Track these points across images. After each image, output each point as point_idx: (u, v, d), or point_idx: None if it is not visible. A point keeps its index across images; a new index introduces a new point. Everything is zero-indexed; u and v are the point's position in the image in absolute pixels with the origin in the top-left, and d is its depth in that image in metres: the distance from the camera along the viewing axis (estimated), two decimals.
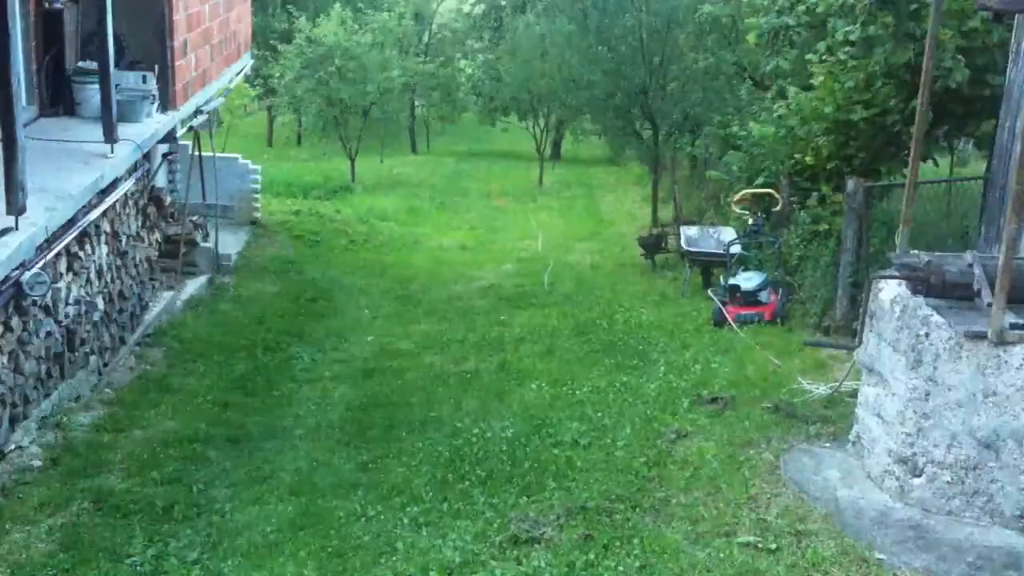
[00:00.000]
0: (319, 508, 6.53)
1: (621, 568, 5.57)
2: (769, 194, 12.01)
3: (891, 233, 9.49)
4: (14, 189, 6.93)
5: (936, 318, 6.01)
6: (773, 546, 5.72)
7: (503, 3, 35.47)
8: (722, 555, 5.65)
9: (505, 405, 8.63)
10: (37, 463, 7.11)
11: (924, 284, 6.27)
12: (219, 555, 5.85)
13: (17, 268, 6.95)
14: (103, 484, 6.75)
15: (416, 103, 34.32)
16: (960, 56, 9.91)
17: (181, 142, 12.45)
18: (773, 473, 6.65)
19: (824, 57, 11.35)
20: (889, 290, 6.53)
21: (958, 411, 5.95)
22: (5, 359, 7.08)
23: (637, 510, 6.28)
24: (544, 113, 28.55)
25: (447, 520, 6.29)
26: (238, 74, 14.88)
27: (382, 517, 6.38)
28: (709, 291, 12.17)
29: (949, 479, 6.01)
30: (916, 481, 6.10)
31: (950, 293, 6.22)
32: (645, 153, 22.59)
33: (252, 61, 16.43)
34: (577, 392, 8.79)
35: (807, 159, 11.51)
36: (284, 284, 13.56)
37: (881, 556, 5.61)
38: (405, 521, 6.30)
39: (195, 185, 13.13)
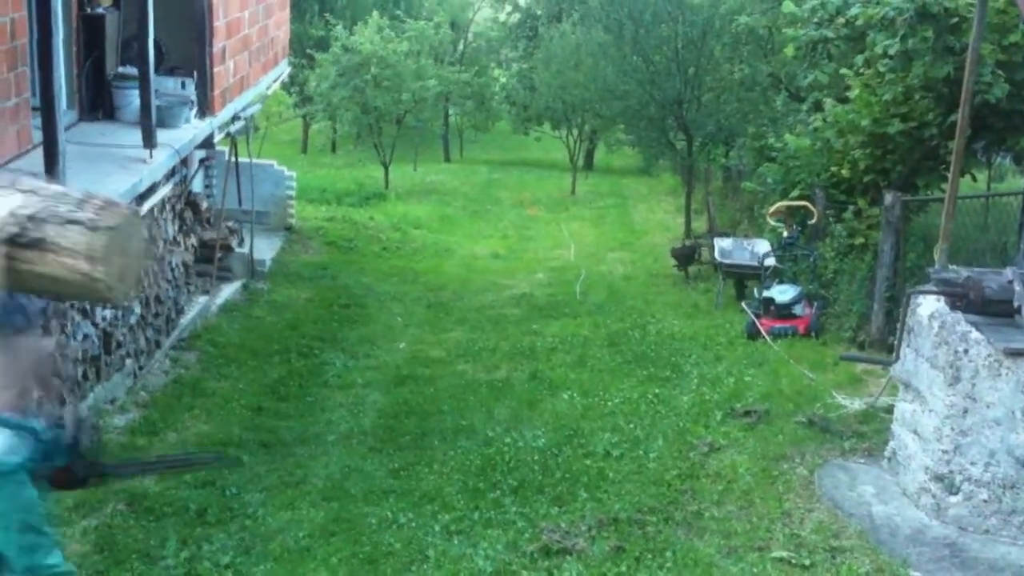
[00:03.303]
0: (351, 514, 6.54)
1: None
2: (804, 206, 11.94)
3: (928, 247, 9.42)
4: None
5: (975, 334, 5.95)
6: (807, 562, 5.67)
7: (538, 12, 35.55)
8: (755, 570, 5.60)
9: (537, 414, 8.62)
10: None
11: (963, 300, 6.21)
12: (251, 559, 5.87)
13: None
14: (137, 487, 6.78)
15: (450, 111, 34.43)
16: (1000, 71, 9.84)
17: (218, 148, 12.54)
18: (807, 488, 6.60)
19: (862, 70, 11.29)
20: (927, 305, 6.47)
21: (996, 429, 5.88)
22: None
23: (669, 523, 6.24)
24: (578, 123, 28.55)
25: (478, 529, 6.28)
26: (275, 81, 14.98)
27: (413, 524, 6.38)
28: (743, 303, 12.11)
29: (986, 497, 5.94)
30: (953, 499, 6.04)
31: (989, 309, 6.15)
32: (679, 164, 22.58)
33: (289, 68, 16.53)
34: (609, 403, 8.76)
35: (843, 172, 11.44)
36: (317, 290, 13.62)
37: (916, 574, 5.55)
38: (436, 529, 6.30)
39: (231, 190, 13.23)
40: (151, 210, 9.34)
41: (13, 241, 3.68)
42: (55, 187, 3.90)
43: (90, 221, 3.68)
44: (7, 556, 4.13)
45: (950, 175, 7.24)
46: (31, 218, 3.69)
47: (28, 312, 3.97)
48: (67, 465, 4.35)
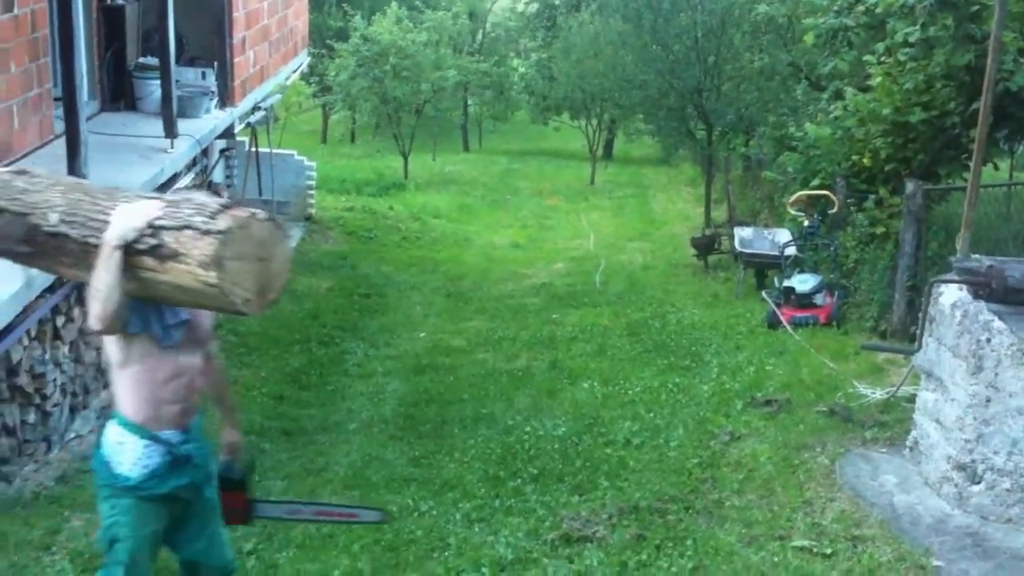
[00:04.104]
0: (372, 502, 6.56)
1: (674, 569, 5.54)
2: (825, 196, 11.89)
3: (950, 237, 9.35)
4: None
5: (998, 323, 5.92)
6: (828, 551, 5.66)
7: (557, 2, 35.44)
8: (776, 558, 5.60)
9: (557, 403, 8.63)
10: None
11: (985, 289, 6.18)
12: (274, 546, 5.90)
13: None
14: None
15: (469, 101, 34.42)
16: (1022, 58, 9.76)
17: (238, 138, 12.59)
18: (828, 477, 6.59)
19: (882, 58, 11.22)
20: (949, 294, 6.44)
21: (1019, 418, 5.86)
22: (67, 349, 7.20)
23: (690, 511, 6.25)
24: (597, 112, 28.48)
25: (499, 516, 6.30)
26: (295, 71, 15.02)
27: (434, 512, 6.41)
28: (763, 293, 12.08)
29: (1008, 486, 5.92)
30: (975, 488, 6.02)
31: (1012, 298, 6.12)
32: (698, 153, 22.50)
33: (308, 58, 16.57)
34: (629, 392, 8.77)
35: (864, 161, 11.38)
36: (337, 279, 13.67)
37: (938, 563, 5.53)
38: (457, 516, 6.33)
39: (252, 180, 13.27)
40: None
41: (131, 248, 3.72)
42: (181, 193, 3.94)
43: (203, 224, 3.67)
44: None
45: (972, 164, 7.18)
46: (150, 224, 3.73)
47: (167, 325, 4.01)
48: (242, 493, 4.53)
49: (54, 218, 3.99)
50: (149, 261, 3.74)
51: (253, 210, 3.80)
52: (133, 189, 4.13)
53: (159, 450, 4.07)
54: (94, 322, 3.83)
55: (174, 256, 3.69)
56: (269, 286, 3.84)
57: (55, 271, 4.40)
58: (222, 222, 3.66)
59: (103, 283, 3.74)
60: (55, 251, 4.04)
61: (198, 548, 4.32)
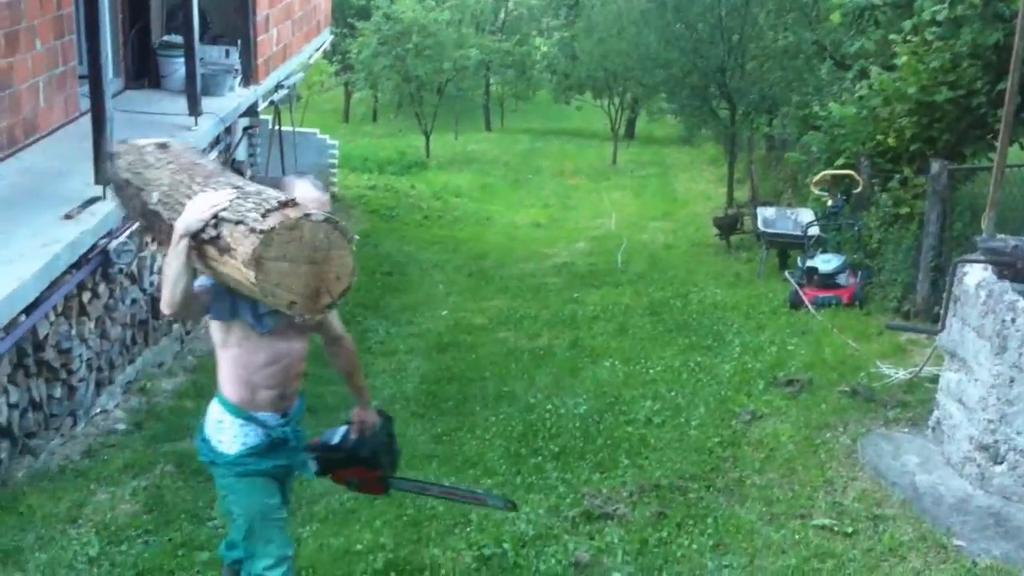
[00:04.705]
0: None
1: (695, 547, 5.56)
2: (849, 175, 11.83)
3: (974, 217, 9.29)
4: (102, 159, 7.08)
5: (1023, 303, 5.89)
6: (849, 530, 5.66)
7: None
8: (797, 537, 5.61)
9: (578, 382, 8.64)
10: (122, 427, 7.30)
11: (1010, 269, 6.15)
12: (297, 521, 5.95)
13: (104, 237, 7.12)
14: (186, 448, 6.88)
15: (491, 80, 34.36)
16: None
17: (261, 116, 12.62)
18: (850, 457, 6.58)
19: (909, 37, 11.13)
20: (974, 274, 6.41)
21: None
22: (92, 325, 7.26)
23: (711, 490, 6.26)
24: (619, 91, 28.39)
25: (520, 493, 6.32)
26: (317, 50, 15.03)
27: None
28: (786, 273, 12.04)
29: None
30: (997, 468, 6.00)
31: None
32: (721, 132, 22.39)
33: (331, 37, 16.58)
34: (650, 371, 8.77)
35: (889, 140, 11.31)
36: (360, 258, 13.53)
37: (960, 543, 5.53)
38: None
39: (275, 159, 13.31)
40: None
41: (197, 236, 3.73)
42: (254, 185, 3.87)
43: (254, 221, 3.61)
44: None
45: (998, 144, 7.13)
46: (215, 215, 3.71)
47: (260, 313, 3.99)
48: (372, 470, 4.62)
49: (155, 197, 4.02)
50: (212, 251, 3.74)
51: (309, 211, 3.70)
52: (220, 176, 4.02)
53: (256, 430, 4.10)
54: (163, 306, 3.87)
55: (228, 250, 3.67)
56: (324, 290, 3.77)
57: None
58: (270, 221, 3.59)
59: (171, 268, 3.77)
60: (157, 229, 4.10)
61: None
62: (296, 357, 4.17)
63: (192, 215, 3.73)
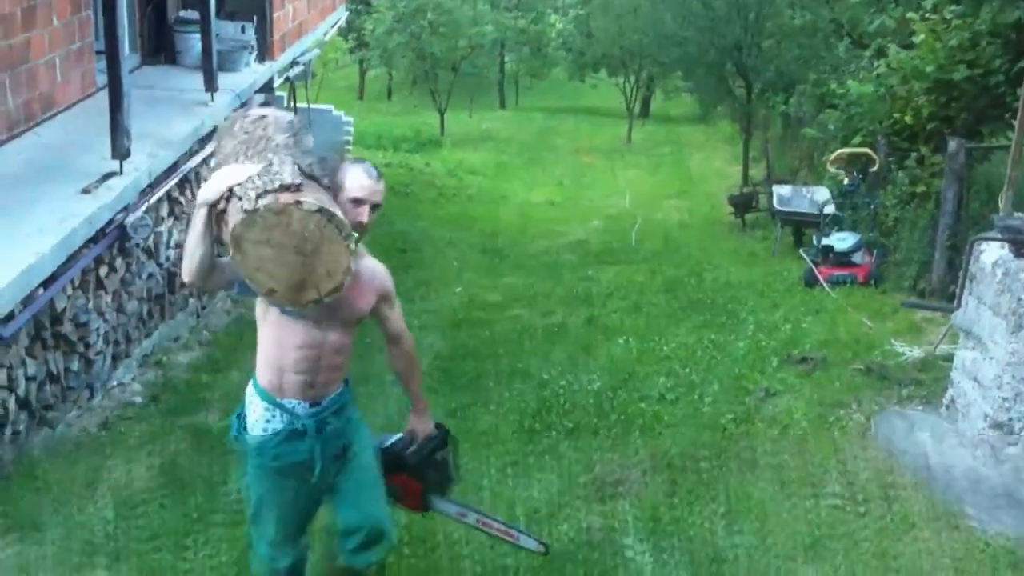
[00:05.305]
0: None
1: (707, 522, 5.58)
2: (866, 154, 11.78)
3: (991, 196, 9.24)
4: (119, 134, 7.10)
5: None
6: (862, 507, 5.67)
7: None
8: (809, 512, 5.62)
9: (592, 358, 8.66)
10: (138, 400, 7.35)
11: None
12: None
13: (121, 211, 7.14)
14: (201, 422, 6.95)
15: (506, 58, 34.27)
16: None
17: (277, 93, 12.62)
18: (863, 434, 6.59)
19: (927, 15, 11.06)
20: (991, 252, 6.38)
21: None
22: (109, 299, 7.30)
23: (724, 465, 6.27)
24: (635, 69, 28.28)
25: (534, 468, 6.35)
26: (333, 26, 15.00)
27: (470, 463, 6.46)
28: (801, 251, 12.02)
29: None
30: (1011, 447, 5.99)
31: None
32: (737, 111, 22.31)
33: (346, 14, 16.54)
34: (664, 348, 8.77)
35: (906, 119, 11.26)
36: (374, 235, 13.58)
37: (972, 520, 5.53)
38: (492, 469, 6.38)
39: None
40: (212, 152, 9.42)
41: (214, 207, 3.68)
42: (291, 165, 3.69)
43: (247, 201, 3.54)
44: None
45: (1016, 122, 7.08)
46: (229, 188, 3.64)
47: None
48: (414, 480, 4.46)
49: (213, 163, 3.97)
50: (222, 225, 3.69)
51: (302, 199, 3.55)
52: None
53: (281, 416, 3.99)
54: (184, 275, 3.84)
55: (227, 224, 3.63)
56: (311, 284, 3.61)
57: None
58: (259, 203, 3.50)
59: (190, 237, 3.75)
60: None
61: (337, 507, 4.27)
62: (331, 347, 3.99)
63: (210, 185, 3.71)
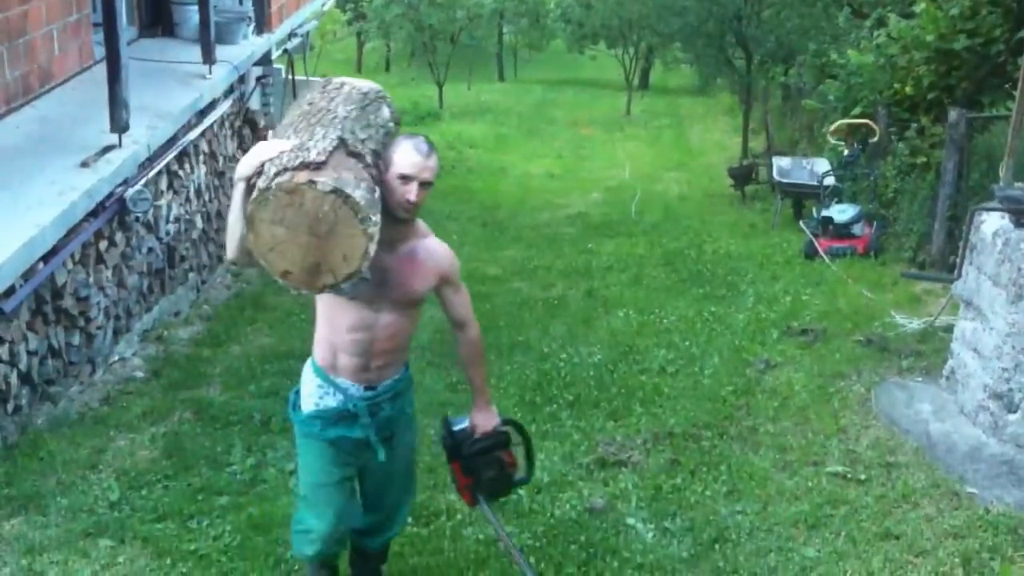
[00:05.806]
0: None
1: (708, 493, 5.60)
2: (866, 124, 11.75)
3: (992, 167, 9.23)
4: (118, 107, 7.07)
5: None
6: (862, 477, 5.70)
7: None
8: (810, 483, 5.65)
9: (592, 331, 8.67)
10: (140, 374, 7.36)
11: None
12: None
13: (120, 185, 7.12)
14: (203, 396, 6.96)
15: (504, 30, 34.12)
16: None
17: (275, 65, 12.56)
18: (864, 405, 6.61)
19: None
20: (991, 223, 6.38)
21: None
22: (109, 273, 7.30)
23: (724, 437, 6.30)
24: (633, 41, 28.16)
25: (535, 441, 6.35)
26: None
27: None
28: (801, 223, 12.01)
29: None
30: (1011, 417, 6.01)
31: None
32: (737, 82, 22.24)
33: None
34: (664, 320, 8.78)
35: (907, 89, 11.23)
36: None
37: (972, 490, 5.56)
38: None
39: (288, 108, 13.26)
40: (211, 126, 9.40)
41: (251, 182, 3.57)
42: (325, 141, 3.56)
43: (264, 179, 3.44)
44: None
45: (1017, 92, 7.06)
46: (261, 163, 3.54)
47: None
48: (466, 475, 4.37)
49: (270, 135, 3.88)
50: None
51: (317, 179, 3.39)
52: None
53: (333, 395, 3.92)
54: (228, 252, 3.73)
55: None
56: (326, 268, 3.45)
57: None
58: (275, 181, 3.39)
59: (231, 215, 3.64)
60: None
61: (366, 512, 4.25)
62: (385, 330, 3.89)
63: (246, 160, 3.58)
